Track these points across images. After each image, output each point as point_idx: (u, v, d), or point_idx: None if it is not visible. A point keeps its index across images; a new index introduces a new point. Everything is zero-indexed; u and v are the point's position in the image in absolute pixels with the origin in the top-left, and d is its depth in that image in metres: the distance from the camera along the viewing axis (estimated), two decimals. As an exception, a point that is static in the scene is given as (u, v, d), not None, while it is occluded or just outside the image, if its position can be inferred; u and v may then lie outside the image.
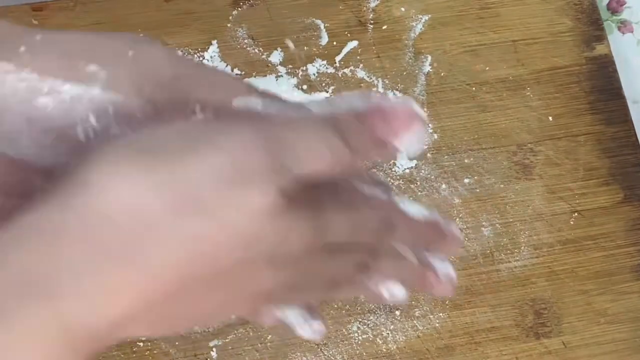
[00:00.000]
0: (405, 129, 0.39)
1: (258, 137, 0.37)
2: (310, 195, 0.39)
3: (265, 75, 0.69)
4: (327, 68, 0.70)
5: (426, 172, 0.67)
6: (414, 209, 0.45)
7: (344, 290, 0.48)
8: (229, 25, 0.71)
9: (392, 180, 0.67)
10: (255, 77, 0.69)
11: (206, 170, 0.36)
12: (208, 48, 0.69)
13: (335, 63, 0.70)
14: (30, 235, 0.35)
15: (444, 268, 0.47)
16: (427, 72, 0.71)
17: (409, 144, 0.39)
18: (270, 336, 0.62)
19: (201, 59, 0.69)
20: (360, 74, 0.70)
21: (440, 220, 0.46)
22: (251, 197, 0.36)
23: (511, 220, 0.66)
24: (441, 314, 0.63)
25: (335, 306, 0.63)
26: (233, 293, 0.41)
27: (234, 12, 0.71)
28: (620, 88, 0.71)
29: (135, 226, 0.36)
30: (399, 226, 0.44)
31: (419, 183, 0.67)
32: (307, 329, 0.49)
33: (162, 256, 0.36)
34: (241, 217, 0.37)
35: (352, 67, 0.70)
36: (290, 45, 0.68)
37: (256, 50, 0.70)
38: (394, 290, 0.47)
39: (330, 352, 0.62)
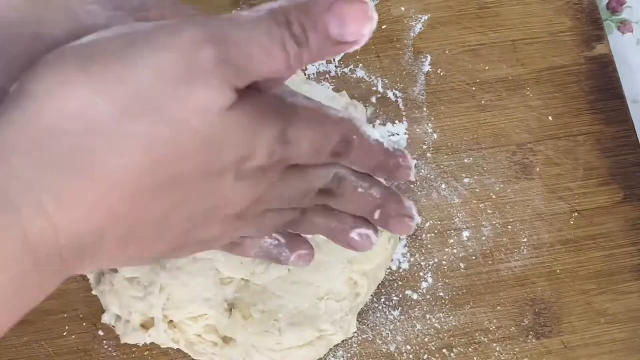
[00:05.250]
0: (359, 26, 0.37)
1: (204, 34, 0.35)
2: (270, 104, 0.38)
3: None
4: (326, 67, 0.70)
5: (426, 172, 0.67)
6: (375, 134, 0.47)
7: (314, 218, 0.49)
8: (228, 25, 0.71)
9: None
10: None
11: (151, 69, 0.34)
12: (208, 48, 0.69)
13: (335, 62, 0.70)
14: None
15: (408, 206, 0.50)
16: (427, 72, 0.70)
17: (361, 38, 0.37)
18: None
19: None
20: (360, 73, 0.70)
21: (397, 151, 0.48)
22: (201, 93, 0.35)
23: (511, 220, 0.66)
24: (441, 314, 0.63)
25: (335, 306, 0.63)
26: (202, 208, 0.39)
27: (234, 12, 0.71)
28: (620, 88, 0.71)
29: (85, 134, 0.34)
30: (357, 146, 0.44)
31: (419, 183, 0.67)
32: (290, 255, 0.51)
33: (117, 162, 0.34)
34: (192, 114, 0.35)
35: (351, 67, 0.70)
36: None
37: (256, 50, 0.70)
38: (364, 234, 0.50)
39: (330, 352, 0.62)
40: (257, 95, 0.38)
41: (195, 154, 0.36)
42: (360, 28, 0.37)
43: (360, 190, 0.48)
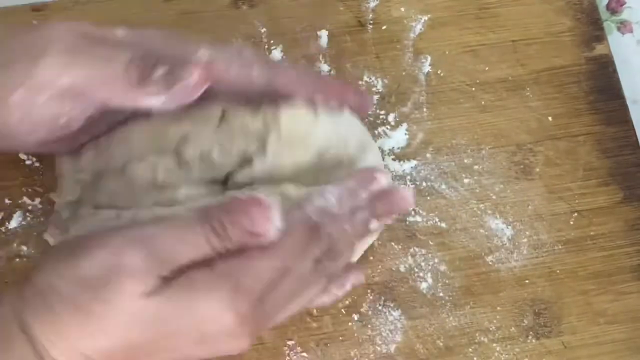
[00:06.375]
0: (263, 224, 0.49)
1: (127, 239, 0.47)
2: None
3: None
4: (326, 68, 0.70)
5: (426, 172, 0.67)
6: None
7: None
8: (229, 25, 0.71)
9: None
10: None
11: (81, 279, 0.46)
12: (208, 48, 0.69)
13: (335, 63, 0.70)
14: None
15: None
16: (427, 72, 0.71)
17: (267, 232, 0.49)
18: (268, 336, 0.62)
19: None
20: (360, 73, 0.70)
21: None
22: (125, 284, 0.46)
23: (511, 220, 0.66)
24: (441, 314, 0.63)
25: (335, 306, 0.63)
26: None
27: (234, 12, 0.71)
28: (620, 88, 0.71)
29: None
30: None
31: (418, 183, 0.67)
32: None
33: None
34: (121, 300, 0.46)
35: (351, 67, 0.70)
36: None
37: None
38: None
39: (330, 352, 0.62)
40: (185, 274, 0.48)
41: (145, 331, 0.47)
42: (264, 225, 0.49)
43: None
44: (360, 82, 0.70)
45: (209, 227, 0.48)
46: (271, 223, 0.48)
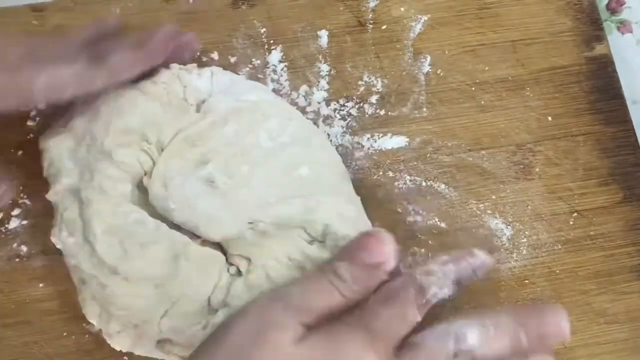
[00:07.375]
0: (380, 248, 0.52)
1: (272, 297, 0.52)
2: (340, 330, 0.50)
3: (265, 76, 0.69)
4: (326, 68, 0.70)
5: (426, 171, 0.67)
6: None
7: None
8: (229, 25, 0.71)
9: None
10: (256, 77, 0.69)
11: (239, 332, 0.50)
12: (208, 48, 0.70)
13: (335, 63, 0.70)
14: None
15: None
16: (427, 72, 0.71)
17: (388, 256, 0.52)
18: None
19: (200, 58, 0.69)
20: (360, 73, 0.70)
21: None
22: (273, 335, 0.49)
23: (511, 220, 0.66)
24: (440, 315, 0.63)
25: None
26: None
27: (234, 12, 0.71)
28: (619, 88, 0.71)
29: None
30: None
31: (418, 182, 0.67)
32: None
33: None
34: (268, 351, 0.49)
35: (351, 67, 0.70)
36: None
37: (256, 51, 0.70)
38: None
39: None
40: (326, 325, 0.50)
41: None
42: (381, 251, 0.52)
43: None
44: (360, 82, 0.70)
45: (331, 273, 0.51)
46: (388, 248, 0.52)
